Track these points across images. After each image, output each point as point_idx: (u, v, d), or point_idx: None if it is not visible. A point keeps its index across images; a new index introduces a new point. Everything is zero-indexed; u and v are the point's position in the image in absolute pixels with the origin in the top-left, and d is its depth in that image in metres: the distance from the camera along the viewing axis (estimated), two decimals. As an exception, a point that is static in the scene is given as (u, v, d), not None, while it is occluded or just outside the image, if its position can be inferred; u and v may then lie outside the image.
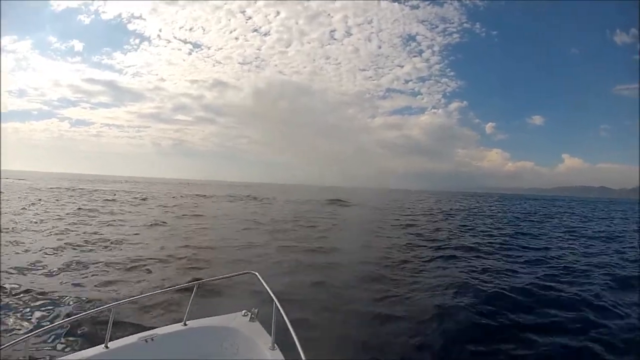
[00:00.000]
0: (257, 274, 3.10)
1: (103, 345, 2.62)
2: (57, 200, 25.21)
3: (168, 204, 26.34)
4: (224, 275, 3.79)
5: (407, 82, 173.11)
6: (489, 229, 17.80)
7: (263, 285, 2.90)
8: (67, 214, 17.09)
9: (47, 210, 18.25)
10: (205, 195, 40.17)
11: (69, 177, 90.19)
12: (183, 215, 18.99)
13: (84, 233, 11.77)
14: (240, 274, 3.49)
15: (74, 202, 23.88)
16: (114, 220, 15.30)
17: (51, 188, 40.14)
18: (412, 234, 15.12)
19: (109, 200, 27.33)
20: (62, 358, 2.49)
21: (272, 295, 2.73)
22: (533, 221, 23.36)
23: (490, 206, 41.87)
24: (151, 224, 14.74)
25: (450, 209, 32.20)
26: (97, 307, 3.23)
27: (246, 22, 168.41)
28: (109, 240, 10.71)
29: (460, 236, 14.90)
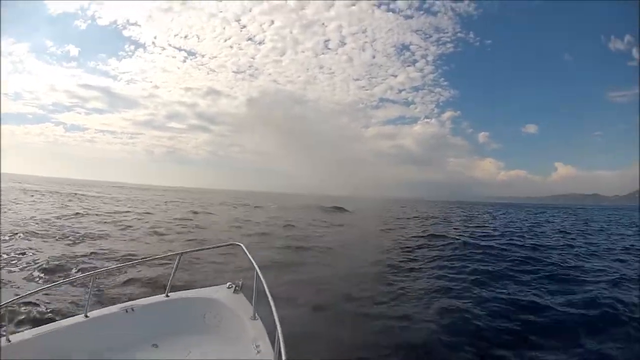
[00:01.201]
0: (242, 245, 3.01)
1: (83, 315, 2.56)
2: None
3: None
4: (208, 247, 3.74)
5: (400, 91, 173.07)
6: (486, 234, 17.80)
7: (248, 256, 2.82)
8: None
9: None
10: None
11: (76, 183, 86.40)
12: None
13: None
14: (225, 245, 3.42)
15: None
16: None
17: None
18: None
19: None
20: (41, 327, 2.40)
21: (255, 265, 2.67)
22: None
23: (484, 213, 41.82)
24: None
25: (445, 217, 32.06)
26: (77, 275, 3.17)
27: (241, 31, 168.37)
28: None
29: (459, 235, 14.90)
